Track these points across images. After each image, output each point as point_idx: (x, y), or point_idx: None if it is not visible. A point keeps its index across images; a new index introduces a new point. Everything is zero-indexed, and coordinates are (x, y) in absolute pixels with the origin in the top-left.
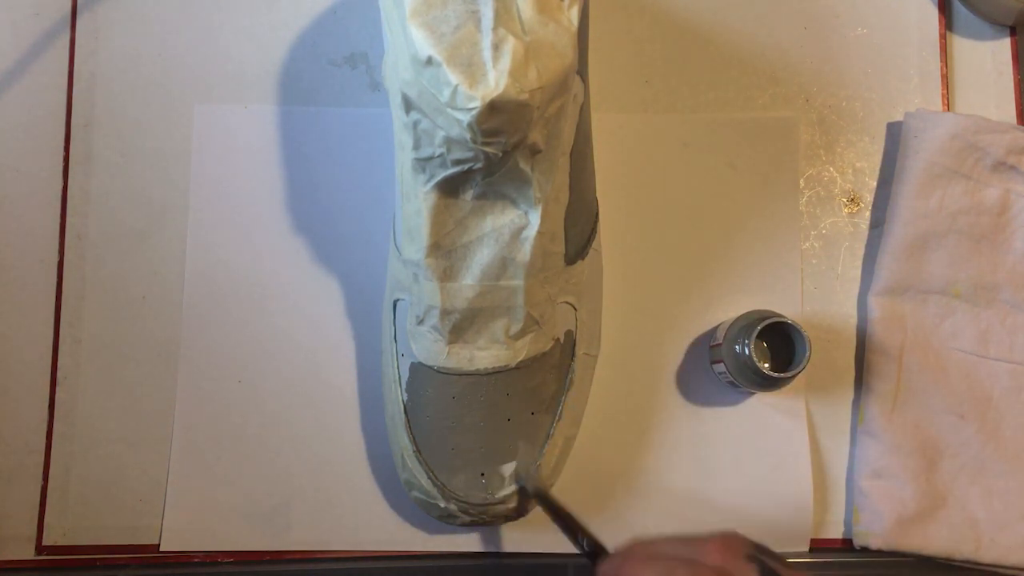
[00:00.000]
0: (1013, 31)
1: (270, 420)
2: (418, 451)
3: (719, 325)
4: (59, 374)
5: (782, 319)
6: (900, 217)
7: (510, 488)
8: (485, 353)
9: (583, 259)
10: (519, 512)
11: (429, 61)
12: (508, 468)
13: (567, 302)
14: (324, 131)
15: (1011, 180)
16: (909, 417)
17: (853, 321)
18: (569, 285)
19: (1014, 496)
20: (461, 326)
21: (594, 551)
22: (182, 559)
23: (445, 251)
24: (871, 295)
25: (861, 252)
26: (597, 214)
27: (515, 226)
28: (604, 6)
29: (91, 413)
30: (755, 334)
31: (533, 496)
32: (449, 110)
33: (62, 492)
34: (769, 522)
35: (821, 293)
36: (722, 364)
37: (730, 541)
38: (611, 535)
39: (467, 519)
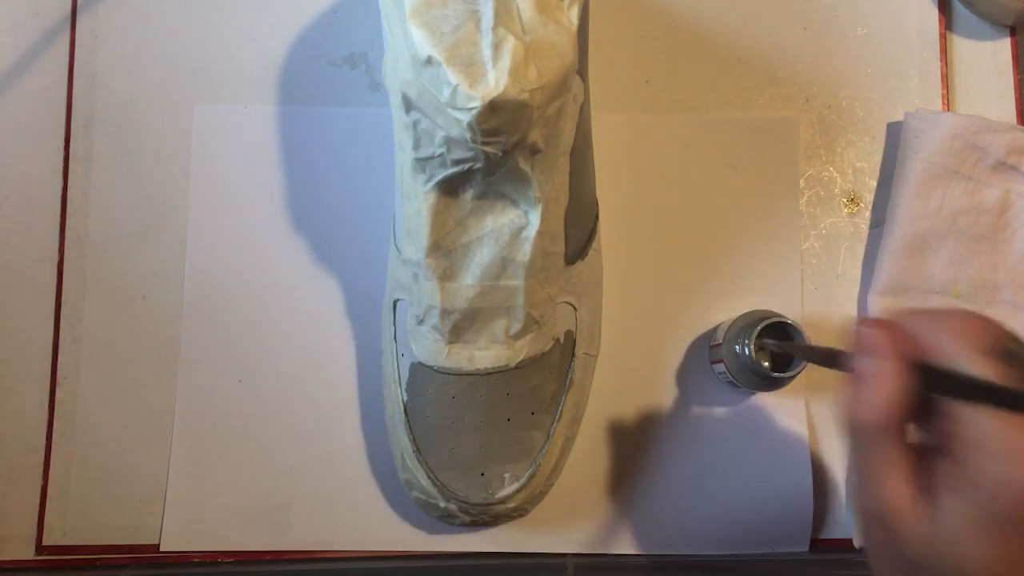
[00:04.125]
0: (1013, 31)
1: (270, 420)
2: (418, 451)
3: (719, 325)
4: (59, 374)
5: (782, 319)
6: (900, 217)
7: (510, 488)
8: (485, 353)
9: (583, 259)
10: (519, 512)
11: (429, 61)
12: (509, 468)
13: (567, 302)
14: (324, 131)
15: (1011, 180)
16: None
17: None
18: (569, 285)
19: None
20: (461, 326)
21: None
22: (182, 559)
23: (445, 251)
24: (871, 295)
25: (861, 252)
26: (597, 214)
27: (515, 226)
28: (604, 6)
29: (91, 413)
30: (755, 334)
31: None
32: (449, 110)
33: (62, 492)
34: (769, 522)
35: (821, 293)
36: (722, 364)
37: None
38: (611, 535)
39: (467, 519)
